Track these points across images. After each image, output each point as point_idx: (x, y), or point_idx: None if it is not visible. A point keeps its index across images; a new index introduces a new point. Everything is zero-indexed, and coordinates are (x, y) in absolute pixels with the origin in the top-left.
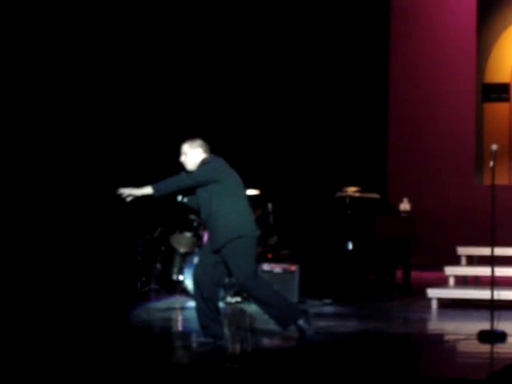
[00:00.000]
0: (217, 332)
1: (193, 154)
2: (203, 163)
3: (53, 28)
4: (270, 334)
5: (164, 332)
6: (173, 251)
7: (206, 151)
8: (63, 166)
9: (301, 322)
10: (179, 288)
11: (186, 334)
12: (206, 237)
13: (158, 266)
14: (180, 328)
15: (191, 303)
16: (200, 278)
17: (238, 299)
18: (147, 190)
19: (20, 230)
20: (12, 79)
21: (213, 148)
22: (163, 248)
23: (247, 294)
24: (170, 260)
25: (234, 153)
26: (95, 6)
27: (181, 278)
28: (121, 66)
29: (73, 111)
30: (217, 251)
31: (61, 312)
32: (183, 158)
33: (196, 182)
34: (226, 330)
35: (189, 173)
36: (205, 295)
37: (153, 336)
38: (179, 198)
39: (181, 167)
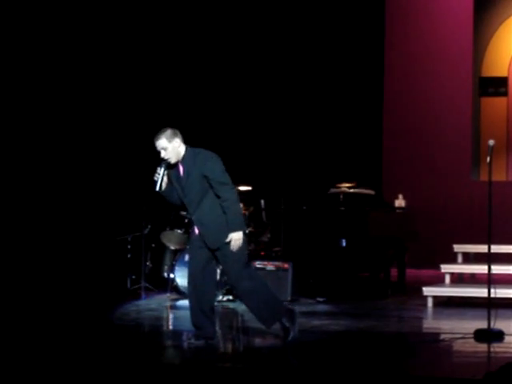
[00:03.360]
0: (209, 332)
1: (173, 147)
2: (211, 160)
3: (53, 28)
4: (261, 332)
5: (154, 331)
6: (163, 248)
7: (180, 138)
8: (52, 164)
9: (284, 320)
10: (170, 286)
11: (176, 333)
12: (195, 232)
13: (149, 263)
14: (170, 327)
15: (182, 301)
16: (196, 275)
17: (230, 297)
18: (239, 235)
19: (9, 227)
20: (12, 79)
21: (205, 144)
22: (153, 245)
23: (236, 289)
24: (161, 257)
25: (227, 148)
26: (95, 6)
27: (171, 275)
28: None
29: (60, 109)
30: (214, 249)
31: (50, 310)
32: (164, 154)
33: (231, 185)
34: (217, 329)
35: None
36: (200, 294)
37: (142, 335)
38: (157, 187)
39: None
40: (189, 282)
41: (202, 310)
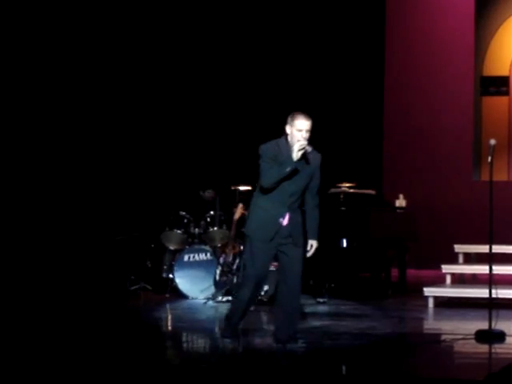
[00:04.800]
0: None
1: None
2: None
3: (53, 28)
4: (262, 333)
5: (155, 331)
6: (163, 249)
7: None
8: (49, 165)
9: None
10: (169, 286)
11: (176, 334)
12: (284, 221)
13: (148, 263)
14: (170, 327)
15: (182, 301)
16: (263, 277)
17: (230, 298)
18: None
19: (4, 228)
20: (12, 79)
21: (206, 143)
22: (153, 245)
23: (293, 290)
24: (160, 258)
25: (226, 148)
26: (95, 6)
27: (170, 275)
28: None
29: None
30: (297, 247)
31: (48, 311)
32: (305, 136)
33: None
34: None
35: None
36: (256, 295)
37: (143, 335)
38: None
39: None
40: (255, 282)
41: (247, 310)
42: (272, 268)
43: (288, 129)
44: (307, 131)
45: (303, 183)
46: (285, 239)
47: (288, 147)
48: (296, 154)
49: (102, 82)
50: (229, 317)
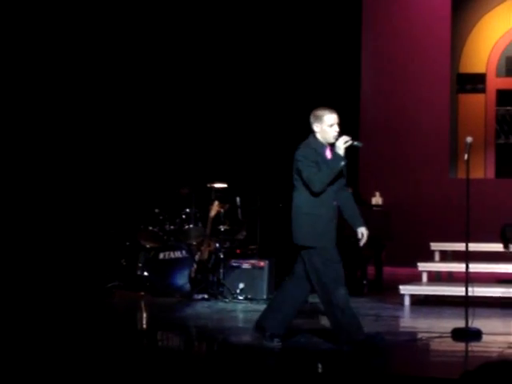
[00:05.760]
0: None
1: None
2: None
3: (53, 28)
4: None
5: (129, 329)
6: (138, 246)
7: None
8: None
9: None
10: (144, 284)
11: (151, 332)
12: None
13: (123, 261)
14: (145, 325)
15: (157, 299)
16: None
17: (205, 296)
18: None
19: None
20: (12, 79)
21: (181, 140)
22: (128, 243)
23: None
24: (135, 255)
25: (202, 146)
26: (95, 6)
27: (146, 273)
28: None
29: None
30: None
31: (21, 308)
32: (337, 129)
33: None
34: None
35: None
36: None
37: (117, 333)
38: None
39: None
40: (343, 284)
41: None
42: (246, 266)
43: (316, 127)
44: (338, 124)
45: (343, 177)
46: None
47: (322, 145)
48: (342, 149)
49: (76, 79)
50: (348, 324)
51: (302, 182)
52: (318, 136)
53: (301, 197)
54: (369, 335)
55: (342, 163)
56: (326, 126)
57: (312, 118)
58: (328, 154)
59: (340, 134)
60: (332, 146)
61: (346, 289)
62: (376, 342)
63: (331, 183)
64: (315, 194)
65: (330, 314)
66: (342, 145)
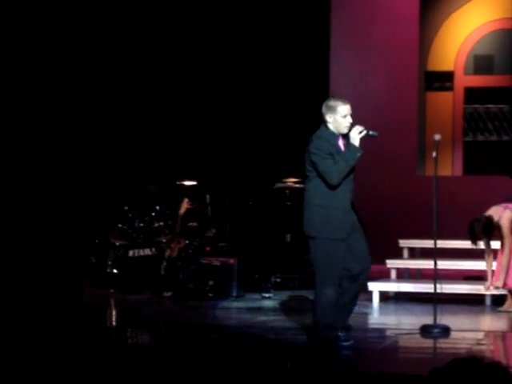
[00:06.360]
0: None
1: None
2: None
3: (53, 28)
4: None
5: (98, 327)
6: (107, 244)
7: None
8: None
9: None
10: (114, 281)
11: (120, 329)
12: (346, 222)
13: (92, 259)
14: (114, 323)
15: (126, 297)
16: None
17: (175, 293)
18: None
19: None
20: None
21: (150, 138)
22: (97, 241)
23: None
24: (105, 253)
25: (171, 143)
26: (95, 6)
27: (115, 271)
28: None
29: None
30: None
31: None
32: (350, 120)
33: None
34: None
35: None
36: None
37: (86, 331)
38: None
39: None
40: (338, 281)
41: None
42: (215, 263)
43: (329, 117)
44: (351, 115)
45: (353, 169)
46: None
47: (334, 136)
48: (358, 139)
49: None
50: (326, 322)
51: (317, 173)
52: (331, 126)
53: (313, 188)
54: (340, 338)
55: (359, 155)
56: (340, 116)
57: (324, 109)
58: (341, 144)
59: (352, 124)
60: (344, 136)
61: (336, 290)
62: (343, 344)
63: (346, 175)
64: (332, 187)
65: (314, 304)
66: (357, 135)
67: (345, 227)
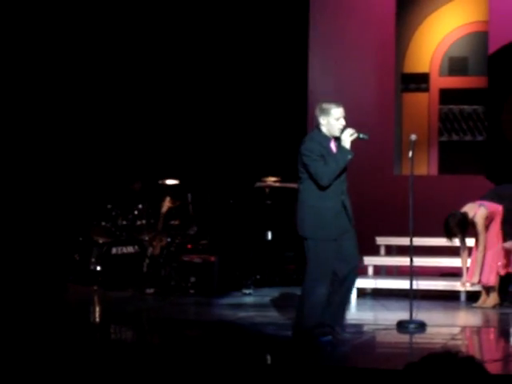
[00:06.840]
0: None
1: None
2: None
3: (53, 28)
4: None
5: (82, 324)
6: (91, 242)
7: None
8: None
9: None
10: (97, 279)
11: (104, 326)
12: (341, 223)
13: (76, 256)
14: (98, 320)
15: (109, 294)
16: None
17: (157, 290)
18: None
19: None
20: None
21: (132, 136)
22: (81, 239)
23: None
24: (88, 251)
25: (152, 142)
26: (95, 6)
27: (98, 268)
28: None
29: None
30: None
31: None
32: (343, 123)
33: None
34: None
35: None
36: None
37: (70, 328)
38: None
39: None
40: (330, 279)
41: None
42: (197, 260)
43: (323, 120)
44: (344, 118)
45: (345, 170)
46: (344, 229)
47: (326, 138)
48: (348, 142)
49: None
50: (308, 318)
51: (308, 175)
52: (323, 129)
53: (306, 189)
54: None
55: (349, 156)
56: (333, 119)
57: (318, 111)
58: (333, 146)
59: (344, 127)
60: (336, 139)
61: (328, 288)
62: (321, 339)
63: (337, 176)
64: (323, 188)
65: (300, 301)
66: (347, 138)
67: (337, 228)
